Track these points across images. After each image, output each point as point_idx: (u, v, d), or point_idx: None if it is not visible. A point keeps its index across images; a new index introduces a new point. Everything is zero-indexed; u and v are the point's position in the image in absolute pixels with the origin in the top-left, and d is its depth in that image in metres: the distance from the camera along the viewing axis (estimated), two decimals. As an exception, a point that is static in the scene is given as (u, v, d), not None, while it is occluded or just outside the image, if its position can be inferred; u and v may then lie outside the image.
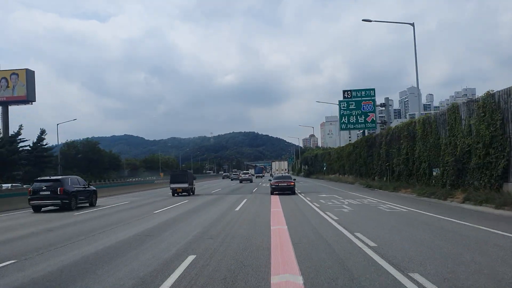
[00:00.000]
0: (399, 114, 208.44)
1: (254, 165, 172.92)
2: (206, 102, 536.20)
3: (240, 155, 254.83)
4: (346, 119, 35.75)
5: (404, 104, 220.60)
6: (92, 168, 73.26)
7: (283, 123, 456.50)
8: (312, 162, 72.77)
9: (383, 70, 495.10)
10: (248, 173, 64.12)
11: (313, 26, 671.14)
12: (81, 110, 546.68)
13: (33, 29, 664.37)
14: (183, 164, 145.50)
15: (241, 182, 54.76)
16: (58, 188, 18.61)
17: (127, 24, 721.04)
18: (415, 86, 32.57)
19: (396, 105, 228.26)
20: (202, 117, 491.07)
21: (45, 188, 18.69)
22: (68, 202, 18.82)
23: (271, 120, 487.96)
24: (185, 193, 28.65)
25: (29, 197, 18.88)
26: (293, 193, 25.84)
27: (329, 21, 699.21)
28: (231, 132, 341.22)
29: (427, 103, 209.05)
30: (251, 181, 56.70)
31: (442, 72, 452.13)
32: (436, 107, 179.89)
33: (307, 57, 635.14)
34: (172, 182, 28.78)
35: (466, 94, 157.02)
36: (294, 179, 27.95)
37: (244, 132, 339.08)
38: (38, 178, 20.83)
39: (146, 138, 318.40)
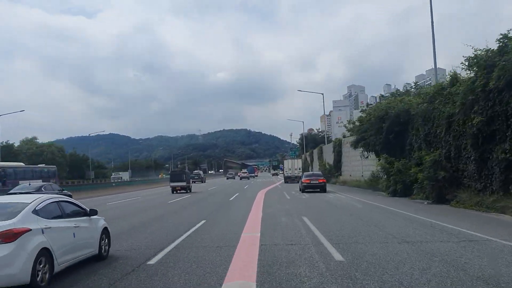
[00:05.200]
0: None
1: (241, 162, 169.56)
2: (199, 100, 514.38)
3: (231, 153, 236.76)
4: None
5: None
6: None
7: (277, 121, 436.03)
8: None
9: (381, 66, 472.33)
10: (246, 172, 78.85)
11: (309, 21, 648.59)
12: (69, 108, 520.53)
13: (18, 25, 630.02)
14: (93, 159, 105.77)
15: (241, 179, 69.57)
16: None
17: (115, 20, 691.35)
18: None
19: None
20: (194, 115, 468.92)
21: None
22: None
23: (265, 118, 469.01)
24: (183, 191, 32.59)
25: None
26: (324, 191, 26.41)
27: (326, 15, 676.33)
28: (222, 129, 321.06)
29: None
30: (248, 178, 70.33)
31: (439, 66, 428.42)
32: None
33: (303, 53, 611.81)
34: (171, 181, 33.30)
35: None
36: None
37: (236, 129, 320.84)
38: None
39: (132, 137, 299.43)
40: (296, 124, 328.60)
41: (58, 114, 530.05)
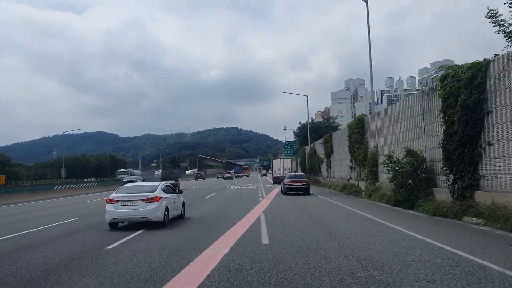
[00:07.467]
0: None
1: (226, 161, 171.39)
2: (190, 98, 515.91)
3: (220, 152, 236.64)
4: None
5: (432, 81, 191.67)
6: None
7: (270, 120, 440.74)
8: None
9: (376, 64, 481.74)
10: (230, 173, 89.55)
11: (304, 19, 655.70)
12: (58, 105, 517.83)
13: (5, 20, 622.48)
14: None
15: (224, 179, 76.58)
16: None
17: (105, 16, 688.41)
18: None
19: (416, 85, 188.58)
20: (185, 114, 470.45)
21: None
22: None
23: (257, 117, 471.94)
24: None
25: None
26: (308, 193, 24.63)
27: (320, 13, 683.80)
28: (212, 128, 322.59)
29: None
30: (232, 178, 79.53)
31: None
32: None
33: (296, 51, 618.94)
34: (162, 179, 35.46)
35: None
36: None
37: (227, 128, 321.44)
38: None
39: (120, 135, 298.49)
40: (292, 120, 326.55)
41: (45, 111, 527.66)
